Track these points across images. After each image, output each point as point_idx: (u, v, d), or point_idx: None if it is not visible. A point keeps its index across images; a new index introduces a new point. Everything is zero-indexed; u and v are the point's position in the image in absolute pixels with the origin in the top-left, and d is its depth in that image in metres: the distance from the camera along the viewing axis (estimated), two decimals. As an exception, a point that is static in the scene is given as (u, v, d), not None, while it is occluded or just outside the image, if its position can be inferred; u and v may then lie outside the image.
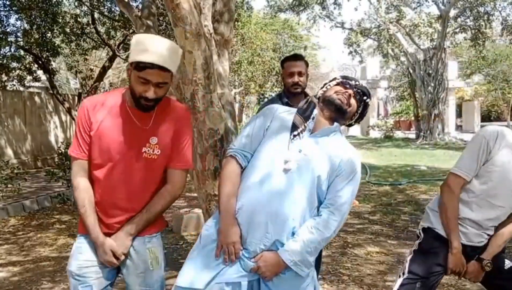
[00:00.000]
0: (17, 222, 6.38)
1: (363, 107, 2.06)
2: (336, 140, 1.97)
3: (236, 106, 19.11)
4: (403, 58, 23.32)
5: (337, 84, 2.03)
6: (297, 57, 3.30)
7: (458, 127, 31.00)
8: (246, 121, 14.39)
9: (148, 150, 2.01)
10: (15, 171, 6.80)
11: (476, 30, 21.28)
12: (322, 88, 2.08)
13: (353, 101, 2.00)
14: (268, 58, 16.78)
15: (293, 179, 1.84)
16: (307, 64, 3.29)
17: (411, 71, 22.11)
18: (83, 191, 2.03)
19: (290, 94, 3.22)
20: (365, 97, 2.04)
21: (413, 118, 24.48)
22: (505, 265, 2.35)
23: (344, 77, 2.06)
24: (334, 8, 22.22)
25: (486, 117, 34.81)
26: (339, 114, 1.98)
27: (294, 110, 2.03)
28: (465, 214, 2.30)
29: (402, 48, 22.16)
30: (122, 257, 2.01)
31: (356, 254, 4.71)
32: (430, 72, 20.83)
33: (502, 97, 31.64)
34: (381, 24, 21.74)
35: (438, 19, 19.87)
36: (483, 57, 24.20)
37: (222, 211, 1.90)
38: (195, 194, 7.60)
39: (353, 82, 2.03)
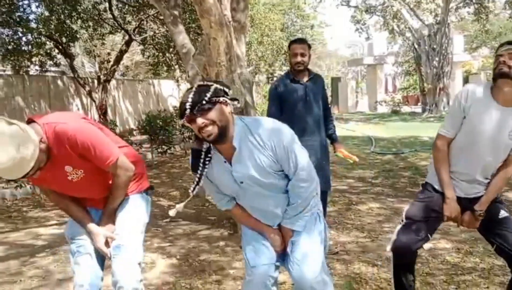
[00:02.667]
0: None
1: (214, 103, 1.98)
2: (248, 142, 2.08)
3: (247, 84, 19.68)
4: (408, 34, 23.70)
5: (185, 122, 2.00)
6: (300, 41, 4.04)
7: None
8: (255, 100, 14.97)
9: (73, 176, 2.18)
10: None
11: (479, 5, 21.58)
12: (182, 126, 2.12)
13: (205, 119, 1.95)
14: (277, 38, 17.34)
15: (252, 188, 2.15)
16: (309, 47, 4.00)
17: (416, 46, 22.52)
18: (58, 202, 2.37)
19: (295, 71, 3.95)
20: (202, 103, 1.95)
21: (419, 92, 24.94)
22: (500, 215, 2.50)
23: (180, 116, 2.01)
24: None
25: (493, 90, 34.97)
26: (217, 142, 2.04)
27: (206, 161, 2.13)
28: (456, 168, 2.52)
29: (407, 24, 22.56)
30: (114, 235, 2.27)
31: (359, 209, 5.43)
32: (435, 47, 21.25)
33: (509, 70, 31.82)
34: (386, 1, 22.09)
35: (442, -6, 20.18)
36: (487, 31, 24.45)
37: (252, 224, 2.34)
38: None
39: (185, 112, 1.96)
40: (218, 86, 2.00)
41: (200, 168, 2.07)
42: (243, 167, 2.08)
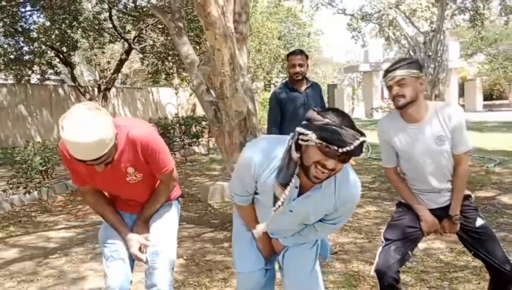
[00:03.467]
0: (63, 198, 7.36)
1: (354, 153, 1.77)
2: (328, 188, 2.00)
3: (244, 92, 19.93)
4: (403, 41, 24.01)
5: (318, 147, 1.76)
6: (298, 52, 4.29)
7: (461, 107, 31.59)
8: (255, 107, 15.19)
9: (132, 178, 2.27)
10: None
11: (474, 12, 21.92)
12: (302, 135, 1.81)
13: (337, 166, 1.81)
14: (274, 46, 17.62)
15: (288, 217, 2.09)
16: (307, 57, 4.26)
17: (411, 53, 22.79)
18: (95, 205, 2.43)
19: (294, 81, 4.20)
20: (353, 155, 1.79)
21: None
22: (476, 223, 2.59)
23: (325, 139, 1.73)
24: (336, -6, 22.91)
25: (489, 96, 35.34)
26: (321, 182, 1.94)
27: (275, 169, 1.98)
28: (415, 186, 2.65)
29: (402, 31, 22.88)
30: (148, 243, 2.35)
31: (357, 212, 5.64)
32: (430, 54, 21.49)
33: (504, 76, 32.23)
34: (381, 9, 22.43)
35: (437, 2, 20.53)
36: (482, 38, 24.81)
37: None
38: (217, 173, 8.58)
39: (336, 147, 1.72)
40: (366, 143, 1.78)
41: (289, 187, 1.91)
42: (306, 204, 2.02)
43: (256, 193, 2.14)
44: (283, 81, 4.55)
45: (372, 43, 32.10)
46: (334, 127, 1.71)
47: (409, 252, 2.62)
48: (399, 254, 2.55)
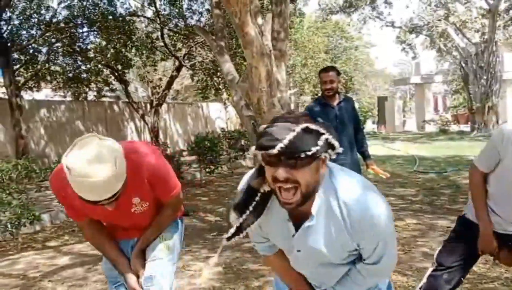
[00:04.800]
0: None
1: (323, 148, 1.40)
2: (330, 212, 1.52)
3: (292, 106, 20.15)
4: (455, 53, 23.53)
5: (265, 162, 1.43)
6: (328, 69, 4.46)
7: (519, 120, 30.42)
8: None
9: (137, 208, 2.08)
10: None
11: (529, 22, 21.25)
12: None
13: (294, 175, 1.39)
14: (321, 59, 17.77)
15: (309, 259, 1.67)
16: (338, 73, 4.41)
17: (463, 65, 22.34)
18: (93, 239, 2.23)
19: (326, 96, 4.36)
20: (301, 154, 1.36)
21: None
22: None
23: (258, 147, 1.40)
24: (385, 7, 22.90)
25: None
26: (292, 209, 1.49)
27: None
28: (491, 205, 2.35)
29: (454, 42, 22.45)
30: (143, 274, 2.14)
31: (396, 225, 5.65)
32: (482, 65, 21.01)
33: None
34: (430, 21, 22.12)
35: (488, 13, 20.04)
36: (538, 48, 23.89)
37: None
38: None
39: (270, 150, 1.36)
40: (330, 137, 1.41)
41: (246, 215, 1.53)
42: (310, 239, 1.55)
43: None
44: (316, 97, 4.72)
45: (424, 55, 31.72)
46: (263, 130, 1.41)
47: (462, 278, 2.45)
48: (449, 284, 2.40)
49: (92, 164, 1.71)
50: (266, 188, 1.51)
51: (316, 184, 1.46)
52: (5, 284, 4.31)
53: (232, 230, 1.55)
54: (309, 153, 1.36)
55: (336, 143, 1.43)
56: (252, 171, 1.60)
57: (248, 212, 1.52)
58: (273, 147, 1.34)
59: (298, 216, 1.54)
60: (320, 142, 1.38)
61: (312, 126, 1.37)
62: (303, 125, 1.36)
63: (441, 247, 2.51)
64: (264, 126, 1.44)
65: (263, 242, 1.75)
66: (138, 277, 2.13)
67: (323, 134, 1.39)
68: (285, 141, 1.34)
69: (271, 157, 1.38)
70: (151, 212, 2.15)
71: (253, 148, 1.54)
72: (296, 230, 1.56)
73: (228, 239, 1.57)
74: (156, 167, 2.02)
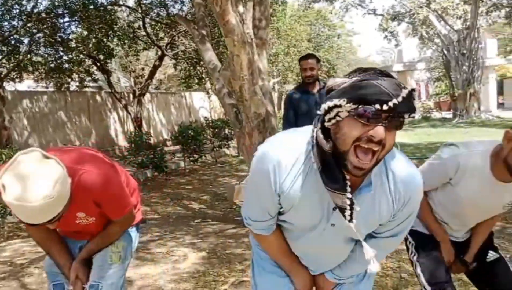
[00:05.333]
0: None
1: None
2: (379, 183, 1.41)
3: (275, 94, 20.22)
4: (437, 40, 23.75)
5: (354, 117, 1.24)
6: (308, 56, 4.56)
7: (500, 105, 30.93)
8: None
9: (82, 221, 1.97)
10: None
11: (510, 8, 21.48)
12: (328, 111, 1.29)
13: (387, 138, 1.24)
14: (303, 48, 17.82)
15: (334, 235, 1.53)
16: (318, 61, 4.49)
17: (445, 52, 22.56)
18: (41, 242, 2.11)
19: (306, 83, 4.47)
20: (406, 115, 1.25)
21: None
22: (488, 257, 2.30)
23: (360, 99, 1.22)
24: (367, -5, 22.94)
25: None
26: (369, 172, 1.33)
27: (301, 172, 1.41)
28: (438, 217, 2.28)
29: (436, 30, 22.65)
30: (81, 279, 2.03)
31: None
32: (464, 52, 21.24)
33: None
34: (412, 9, 22.28)
35: (470, -1, 20.24)
36: (519, 35, 24.25)
37: None
38: (245, 173, 8.84)
39: (378, 105, 1.20)
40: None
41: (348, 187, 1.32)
42: (356, 211, 1.37)
43: (280, 214, 1.54)
44: (295, 86, 4.82)
45: (406, 43, 31.86)
46: (367, 81, 1.22)
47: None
48: None
49: (29, 187, 1.58)
50: (328, 147, 1.31)
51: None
52: (-10, 273, 4.35)
53: (348, 212, 1.36)
54: (414, 115, 1.26)
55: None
56: (272, 145, 1.43)
57: (348, 183, 1.32)
58: (386, 101, 1.19)
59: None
60: (415, 103, 1.25)
61: (413, 91, 1.25)
62: (410, 89, 1.23)
63: (423, 268, 2.26)
64: (357, 78, 1.25)
65: (264, 219, 1.55)
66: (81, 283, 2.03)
67: (414, 91, 1.25)
68: (400, 98, 1.20)
69: (374, 111, 1.20)
70: (98, 224, 2.04)
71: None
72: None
73: (351, 221, 1.37)
74: (105, 190, 1.86)
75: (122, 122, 15.40)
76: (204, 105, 20.40)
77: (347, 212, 1.35)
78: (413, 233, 2.28)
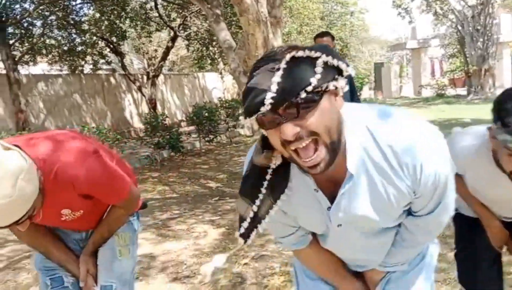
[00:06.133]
0: (117, 179, 7.94)
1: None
2: (370, 163, 1.15)
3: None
4: (451, 16, 23.38)
5: (264, 127, 1.07)
6: (323, 34, 4.56)
7: (515, 81, 30.45)
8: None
9: (68, 217, 1.71)
10: (114, 140, 8.30)
11: (526, -18, 21.06)
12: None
13: (304, 124, 1.02)
14: (316, 26, 17.68)
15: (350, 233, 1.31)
16: (333, 38, 4.50)
17: (460, 28, 22.23)
18: (34, 244, 1.89)
19: None
20: (297, 97, 0.99)
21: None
22: None
23: (248, 111, 1.04)
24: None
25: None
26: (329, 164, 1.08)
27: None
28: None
29: (450, 5, 22.29)
30: (91, 274, 1.86)
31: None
32: (479, 28, 20.91)
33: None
34: (426, -17, 21.91)
35: (485, -27, 19.85)
36: (535, 8, 23.76)
37: None
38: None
39: (264, 103, 0.99)
40: (330, 59, 1.02)
41: (259, 199, 1.17)
42: (353, 206, 1.19)
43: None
44: None
45: (420, 19, 31.44)
46: (244, 89, 1.03)
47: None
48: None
49: None
50: (277, 161, 1.16)
51: (339, 126, 1.08)
52: None
53: (245, 224, 1.19)
54: (309, 88, 0.98)
55: (342, 64, 1.03)
56: (252, 149, 1.24)
57: (261, 195, 1.16)
58: (262, 103, 0.98)
59: (330, 183, 1.19)
60: (318, 68, 0.99)
61: (300, 53, 1.00)
62: (288, 56, 0.99)
63: (461, 266, 2.10)
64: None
65: (290, 233, 1.35)
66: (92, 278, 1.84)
67: (317, 58, 1.00)
68: (273, 87, 0.97)
69: (266, 117, 1.01)
70: (90, 217, 1.82)
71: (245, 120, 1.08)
72: (331, 201, 1.20)
73: (243, 236, 1.21)
74: (89, 180, 1.57)
75: (137, 104, 15.52)
76: (217, 85, 20.42)
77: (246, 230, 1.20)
78: (455, 217, 1.91)
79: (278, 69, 0.99)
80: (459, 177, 1.84)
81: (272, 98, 0.97)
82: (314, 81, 0.99)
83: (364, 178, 1.16)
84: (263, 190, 1.17)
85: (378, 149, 1.13)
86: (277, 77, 0.98)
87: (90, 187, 1.60)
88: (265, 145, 1.15)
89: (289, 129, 1.00)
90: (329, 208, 1.22)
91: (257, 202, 1.17)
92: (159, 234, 4.55)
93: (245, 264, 3.66)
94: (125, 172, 1.82)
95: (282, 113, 1.00)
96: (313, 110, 1.01)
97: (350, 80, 4.65)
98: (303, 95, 0.98)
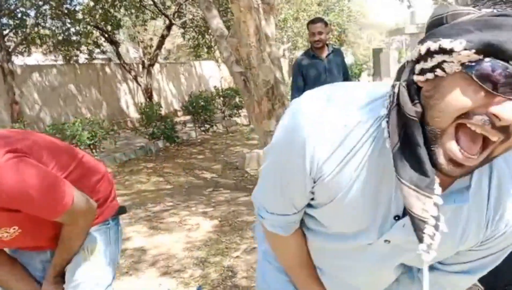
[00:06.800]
0: (112, 170, 7.85)
1: None
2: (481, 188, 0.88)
3: (286, 61, 20.01)
4: (451, 0, 23.17)
5: (468, 75, 0.70)
6: (316, 21, 4.48)
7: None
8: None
9: (5, 235, 1.41)
10: (107, 130, 8.22)
11: (526, -36, 20.79)
12: (426, 55, 0.75)
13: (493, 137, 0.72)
14: (313, 12, 17.48)
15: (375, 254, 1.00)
16: (326, 24, 4.41)
17: (459, 12, 22.00)
18: None
19: (314, 48, 4.40)
20: None
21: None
22: None
23: (490, 46, 0.68)
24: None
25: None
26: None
27: (358, 150, 0.86)
28: None
29: (448, -11, 22.08)
30: None
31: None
32: (479, 11, 20.72)
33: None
34: (424, -33, 21.67)
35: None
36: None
37: None
38: (256, 142, 8.84)
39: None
40: None
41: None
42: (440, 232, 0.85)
43: (310, 206, 1.01)
44: (304, 51, 4.74)
45: (419, 4, 31.09)
46: (507, 18, 0.69)
47: None
48: None
49: None
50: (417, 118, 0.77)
51: None
52: None
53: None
54: None
55: None
56: (311, 106, 0.88)
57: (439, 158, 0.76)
58: None
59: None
60: None
61: None
62: None
63: None
64: (491, 10, 0.72)
65: (286, 214, 1.03)
66: None
67: None
68: None
69: (505, 84, 0.67)
70: (34, 231, 1.47)
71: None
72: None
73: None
74: (10, 189, 1.25)
75: (133, 93, 15.40)
76: (214, 74, 20.28)
77: (427, 229, 0.78)
78: None
79: None
80: None
81: None
82: None
83: (465, 200, 0.86)
84: (437, 177, 0.78)
85: (488, 172, 0.87)
86: None
87: (12, 199, 1.26)
88: (414, 97, 0.79)
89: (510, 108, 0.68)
90: (396, 217, 0.89)
91: (437, 188, 0.78)
92: (151, 227, 4.49)
93: (237, 257, 3.61)
94: (86, 174, 1.56)
95: None
96: None
97: (342, 59, 4.58)
98: None
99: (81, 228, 1.52)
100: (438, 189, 0.77)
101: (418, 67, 0.77)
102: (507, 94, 0.67)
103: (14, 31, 12.68)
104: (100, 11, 13.04)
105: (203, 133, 10.48)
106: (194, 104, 10.00)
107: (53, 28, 13.63)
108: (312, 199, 0.97)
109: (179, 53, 22.31)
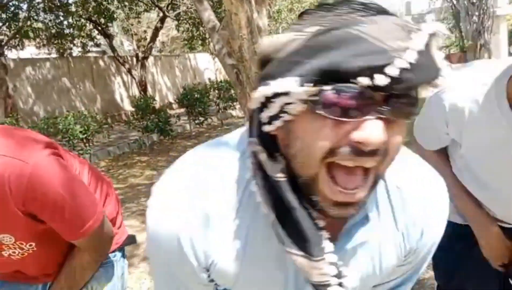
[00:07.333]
0: (106, 163, 7.83)
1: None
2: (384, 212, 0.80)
3: (281, 53, 19.85)
4: (445, -10, 23.10)
5: (314, 112, 0.62)
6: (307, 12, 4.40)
7: (511, 55, 30.32)
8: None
9: (12, 251, 1.17)
10: (101, 124, 8.19)
11: (522, -47, 20.76)
12: (266, 103, 0.66)
13: (391, 140, 0.63)
14: (308, 3, 17.37)
15: None
16: None
17: (455, 1, 21.98)
18: None
19: None
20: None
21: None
22: None
23: (326, 73, 0.59)
24: None
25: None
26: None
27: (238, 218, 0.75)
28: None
29: (444, -21, 22.01)
30: None
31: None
32: (474, 1, 20.64)
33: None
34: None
35: None
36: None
37: None
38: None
39: (368, 77, 0.58)
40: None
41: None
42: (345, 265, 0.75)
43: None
44: None
45: (414, -6, 31.05)
46: (337, 32, 0.60)
47: None
48: None
49: None
50: (279, 175, 0.69)
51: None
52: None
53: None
54: (436, 83, 0.63)
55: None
56: (174, 192, 0.82)
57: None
58: (381, 68, 0.57)
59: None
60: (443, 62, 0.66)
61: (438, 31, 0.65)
62: (430, 28, 0.63)
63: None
64: (318, 27, 0.63)
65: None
66: None
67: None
68: (409, 54, 0.59)
69: (359, 96, 0.59)
70: (47, 252, 1.25)
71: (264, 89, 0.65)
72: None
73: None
74: (35, 183, 1.02)
75: (127, 86, 15.33)
76: (209, 66, 20.20)
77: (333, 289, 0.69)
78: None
79: (418, 31, 0.61)
80: (442, 156, 1.41)
81: (400, 70, 0.58)
82: (442, 73, 0.64)
83: (368, 232, 0.78)
84: (323, 233, 0.71)
85: (385, 190, 0.80)
86: (417, 44, 0.60)
87: (35, 197, 1.03)
88: (265, 141, 0.71)
89: (378, 133, 0.60)
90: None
91: (327, 247, 0.70)
92: (144, 221, 4.46)
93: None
94: (101, 191, 1.33)
95: (384, 100, 0.60)
96: (407, 118, 0.64)
97: None
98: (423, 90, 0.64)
99: (97, 257, 1.29)
100: (328, 246, 0.69)
101: (264, 115, 0.68)
102: (360, 115, 0.60)
103: (6, 24, 12.59)
104: (93, 3, 12.93)
105: (197, 126, 10.45)
106: (188, 97, 9.96)
107: (46, 21, 13.52)
108: (213, 281, 0.82)
109: (173, 46, 22.19)
